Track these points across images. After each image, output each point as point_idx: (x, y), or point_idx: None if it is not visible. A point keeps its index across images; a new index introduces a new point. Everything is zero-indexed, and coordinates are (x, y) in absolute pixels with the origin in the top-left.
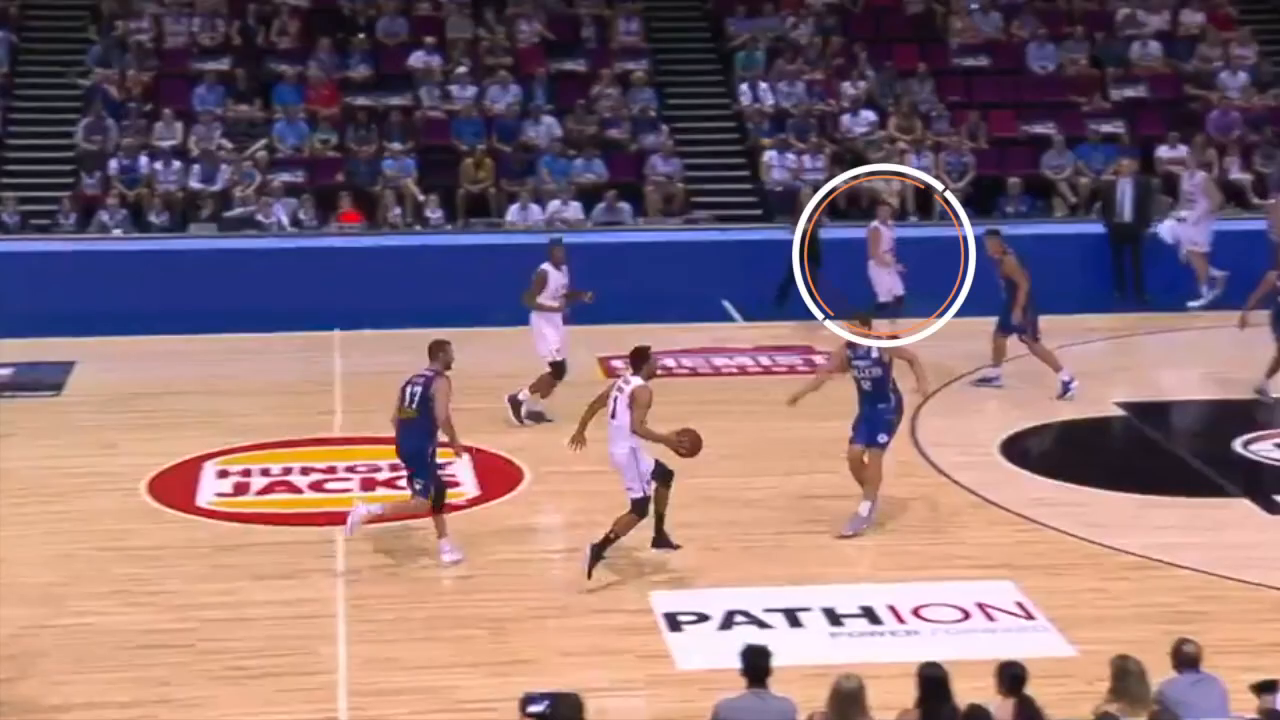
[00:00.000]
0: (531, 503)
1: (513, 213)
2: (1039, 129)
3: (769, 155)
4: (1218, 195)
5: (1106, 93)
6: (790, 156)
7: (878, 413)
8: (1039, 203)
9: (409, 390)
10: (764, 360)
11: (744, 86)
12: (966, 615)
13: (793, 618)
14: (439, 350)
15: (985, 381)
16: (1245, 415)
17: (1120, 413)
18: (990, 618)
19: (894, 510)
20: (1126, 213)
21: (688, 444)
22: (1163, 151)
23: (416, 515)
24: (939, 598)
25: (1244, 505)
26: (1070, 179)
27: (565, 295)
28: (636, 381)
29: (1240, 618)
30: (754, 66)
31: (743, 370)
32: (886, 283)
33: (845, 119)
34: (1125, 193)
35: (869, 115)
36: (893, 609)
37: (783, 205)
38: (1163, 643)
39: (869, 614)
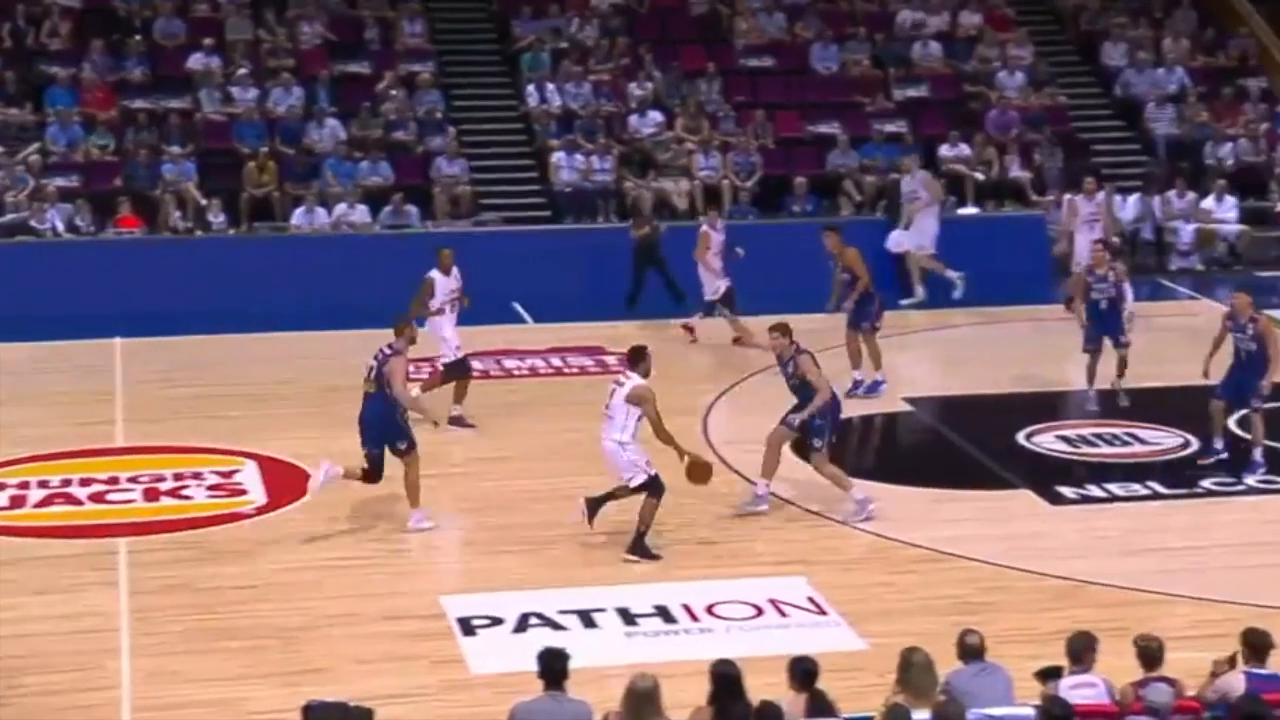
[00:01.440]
0: (319, 510)
1: (298, 216)
2: (824, 128)
3: (557, 156)
4: (938, 190)
5: (889, 93)
6: (578, 157)
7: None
8: (825, 201)
9: (371, 363)
10: (556, 362)
11: (530, 87)
12: (760, 611)
13: (587, 619)
14: (405, 328)
15: (862, 387)
16: (1028, 408)
17: (908, 408)
18: (782, 613)
19: (687, 508)
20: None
21: (697, 472)
22: (945, 150)
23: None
24: (732, 595)
25: (1028, 496)
26: (855, 177)
27: (456, 299)
28: (635, 379)
29: (1025, 607)
30: (540, 68)
31: (534, 372)
32: (714, 283)
33: (633, 119)
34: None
35: (656, 116)
36: (687, 608)
37: (571, 206)
38: (950, 634)
39: (663, 613)
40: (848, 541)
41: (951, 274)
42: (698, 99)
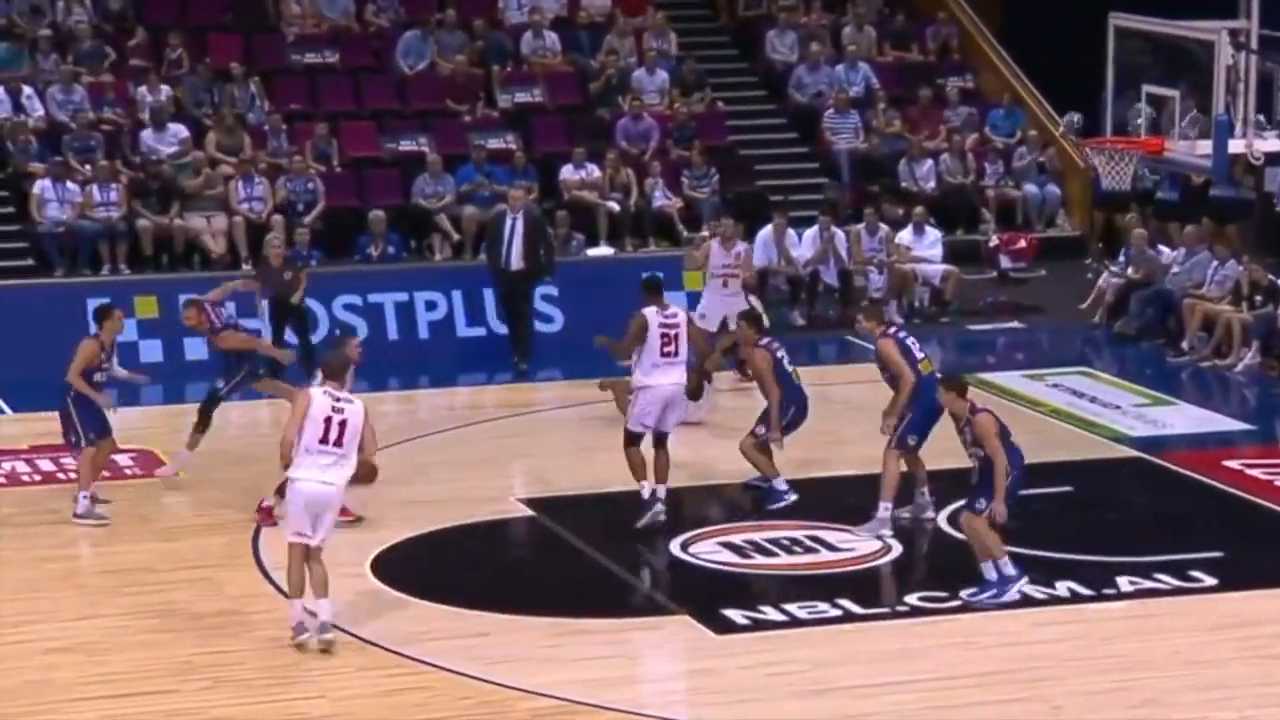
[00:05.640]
0: None
1: None
2: (408, 146)
3: (40, 186)
4: None
5: (493, 98)
6: (72, 187)
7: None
8: (412, 241)
9: None
10: (46, 465)
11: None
12: None
13: None
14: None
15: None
16: (681, 510)
17: (526, 511)
18: None
19: (227, 660)
20: (515, 257)
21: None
22: (568, 172)
23: None
24: None
25: (685, 623)
26: (451, 210)
27: None
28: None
29: None
30: (15, 65)
31: (14, 479)
32: None
33: (146, 136)
34: (515, 230)
35: (179, 130)
36: None
37: (63, 252)
38: None
39: None
40: (446, 694)
41: None
42: (235, 108)
